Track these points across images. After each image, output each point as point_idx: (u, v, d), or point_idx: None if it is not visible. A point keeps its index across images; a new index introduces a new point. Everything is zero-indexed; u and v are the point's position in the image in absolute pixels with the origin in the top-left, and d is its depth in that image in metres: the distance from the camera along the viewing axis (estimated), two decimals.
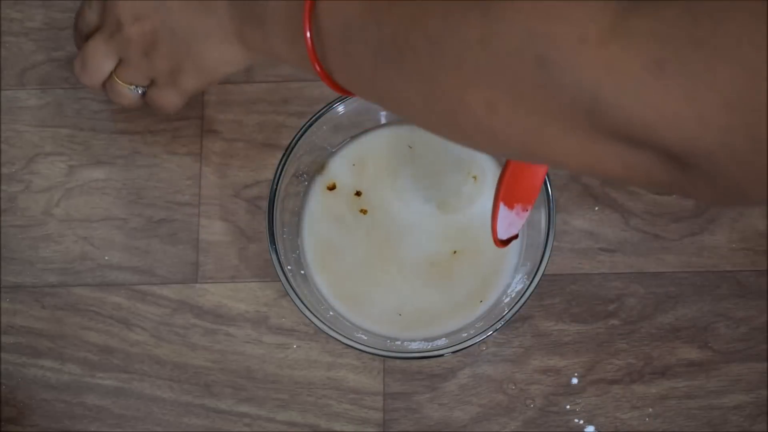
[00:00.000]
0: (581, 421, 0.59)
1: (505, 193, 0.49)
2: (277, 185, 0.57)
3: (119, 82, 0.55)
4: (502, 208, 0.49)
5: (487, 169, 0.60)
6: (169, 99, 0.56)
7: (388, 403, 0.60)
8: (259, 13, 0.47)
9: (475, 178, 0.60)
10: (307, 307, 0.55)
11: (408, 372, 0.60)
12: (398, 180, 0.61)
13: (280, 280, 0.55)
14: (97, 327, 0.62)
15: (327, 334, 0.55)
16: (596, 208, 0.62)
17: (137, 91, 0.56)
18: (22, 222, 0.64)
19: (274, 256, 0.56)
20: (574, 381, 0.60)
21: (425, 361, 0.60)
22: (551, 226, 0.55)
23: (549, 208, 0.55)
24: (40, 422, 0.61)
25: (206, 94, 0.65)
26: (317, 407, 0.60)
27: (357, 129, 0.61)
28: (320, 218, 0.61)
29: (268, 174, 0.61)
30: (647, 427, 0.59)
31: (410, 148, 0.61)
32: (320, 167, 0.61)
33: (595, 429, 0.59)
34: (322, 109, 0.58)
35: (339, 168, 0.61)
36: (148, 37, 0.52)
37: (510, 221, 0.51)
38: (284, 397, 0.61)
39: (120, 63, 0.55)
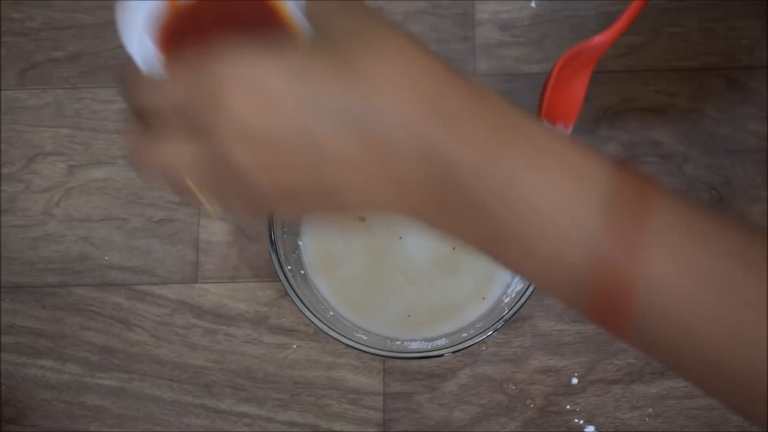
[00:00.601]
0: (581, 421, 0.59)
1: (547, 111, 0.47)
2: None
3: (193, 187, 0.38)
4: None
5: None
6: (253, 210, 0.39)
7: (388, 403, 0.60)
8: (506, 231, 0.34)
9: None
10: (307, 307, 0.55)
11: (408, 372, 0.60)
12: None
13: (280, 280, 0.55)
14: (97, 327, 0.62)
15: (327, 334, 0.55)
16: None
17: (213, 198, 0.40)
18: (22, 222, 0.64)
19: (274, 256, 0.56)
20: (574, 381, 0.60)
21: (425, 361, 0.60)
22: None
23: None
24: (40, 422, 0.61)
25: None
26: (317, 407, 0.60)
27: None
28: (319, 221, 0.60)
29: None
30: (647, 427, 0.59)
31: None
32: None
33: (595, 429, 0.59)
34: None
35: None
36: (279, 186, 0.35)
37: None
38: (284, 397, 0.61)
39: (205, 174, 0.37)
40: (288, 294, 0.55)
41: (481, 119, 0.34)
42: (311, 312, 0.55)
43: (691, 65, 0.63)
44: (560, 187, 0.34)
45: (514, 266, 0.35)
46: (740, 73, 0.63)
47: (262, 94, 0.34)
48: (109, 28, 0.67)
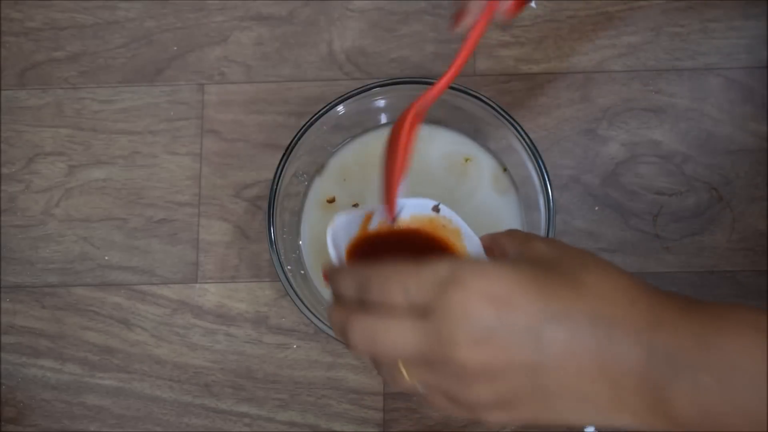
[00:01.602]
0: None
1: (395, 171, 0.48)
2: (277, 185, 0.57)
3: (405, 374, 0.40)
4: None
5: (505, 171, 0.60)
6: (459, 413, 0.41)
7: (388, 403, 0.60)
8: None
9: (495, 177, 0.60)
10: (307, 307, 0.55)
11: None
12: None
13: (280, 280, 0.55)
14: (97, 327, 0.62)
15: (327, 334, 0.55)
16: (596, 208, 0.62)
17: (420, 389, 0.41)
18: (22, 222, 0.64)
19: (274, 256, 0.56)
20: None
21: None
22: (551, 227, 0.55)
23: (549, 209, 0.55)
24: (40, 422, 0.61)
25: (206, 94, 0.65)
26: (317, 407, 0.60)
27: (357, 129, 0.61)
28: (319, 221, 0.61)
29: (268, 174, 0.61)
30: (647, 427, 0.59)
31: (467, 161, 0.61)
32: (320, 167, 0.61)
33: (596, 429, 0.59)
34: (322, 109, 0.58)
35: (334, 181, 0.61)
36: (489, 370, 0.38)
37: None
38: (284, 397, 0.61)
39: (422, 363, 0.39)
40: (288, 294, 0.55)
41: (688, 319, 0.38)
42: (311, 312, 0.55)
43: (691, 65, 0.63)
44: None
45: None
46: (740, 73, 0.63)
47: (501, 299, 0.37)
48: (109, 28, 0.67)
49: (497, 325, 0.37)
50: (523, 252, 0.42)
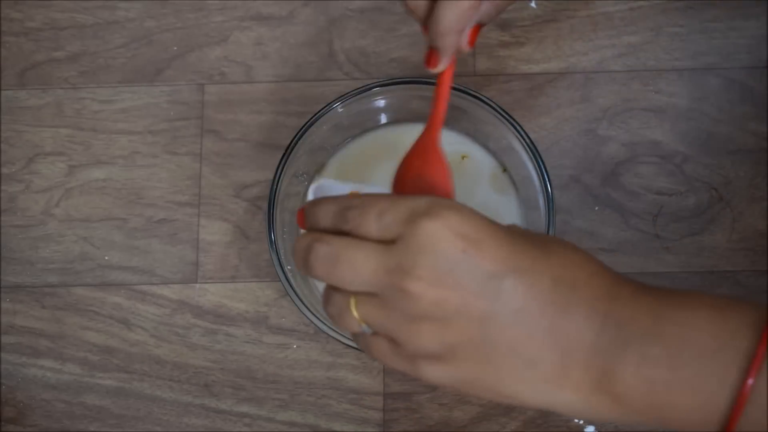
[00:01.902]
0: (581, 422, 0.59)
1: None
2: (277, 185, 0.57)
3: (354, 312, 0.40)
4: None
5: (505, 170, 0.60)
6: (397, 364, 0.40)
7: (388, 403, 0.60)
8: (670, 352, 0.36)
9: (494, 177, 0.60)
10: (307, 307, 0.55)
11: None
12: None
13: (280, 280, 0.55)
14: (97, 327, 0.62)
15: (327, 334, 0.55)
16: (596, 208, 0.62)
17: (365, 330, 0.41)
18: (22, 222, 0.64)
19: (274, 256, 0.56)
20: None
21: None
22: (551, 227, 0.55)
23: (549, 208, 0.55)
24: (40, 422, 0.61)
25: (206, 94, 0.65)
26: (317, 407, 0.60)
27: (357, 129, 0.61)
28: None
29: (268, 174, 0.61)
30: (647, 427, 0.59)
31: (463, 158, 0.61)
32: (320, 167, 0.61)
33: (595, 429, 0.59)
34: (322, 109, 0.58)
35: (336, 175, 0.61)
36: (441, 312, 0.37)
37: None
38: (284, 397, 0.61)
39: (373, 299, 0.39)
40: (288, 294, 0.55)
41: (647, 294, 0.38)
42: (311, 312, 0.55)
43: (691, 65, 0.63)
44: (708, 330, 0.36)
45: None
46: (740, 73, 0.63)
47: (471, 240, 0.37)
48: (109, 28, 0.67)
49: (461, 263, 0.37)
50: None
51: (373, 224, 0.38)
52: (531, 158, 0.56)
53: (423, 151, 0.48)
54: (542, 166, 0.56)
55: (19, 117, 0.66)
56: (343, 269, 0.38)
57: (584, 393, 0.37)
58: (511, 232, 0.39)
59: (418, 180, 0.48)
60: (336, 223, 0.40)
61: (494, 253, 0.37)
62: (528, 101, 0.64)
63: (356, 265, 0.38)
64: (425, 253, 0.37)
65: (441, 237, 0.37)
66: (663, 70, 0.64)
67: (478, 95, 0.57)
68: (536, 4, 0.65)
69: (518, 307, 0.37)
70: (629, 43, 0.64)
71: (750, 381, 0.34)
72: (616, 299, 0.37)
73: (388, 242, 0.38)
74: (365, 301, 0.39)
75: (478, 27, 0.48)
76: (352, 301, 0.39)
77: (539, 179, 0.56)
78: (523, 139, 0.56)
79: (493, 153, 0.61)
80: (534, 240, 0.39)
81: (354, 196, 0.41)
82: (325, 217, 0.40)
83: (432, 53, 0.47)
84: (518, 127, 0.56)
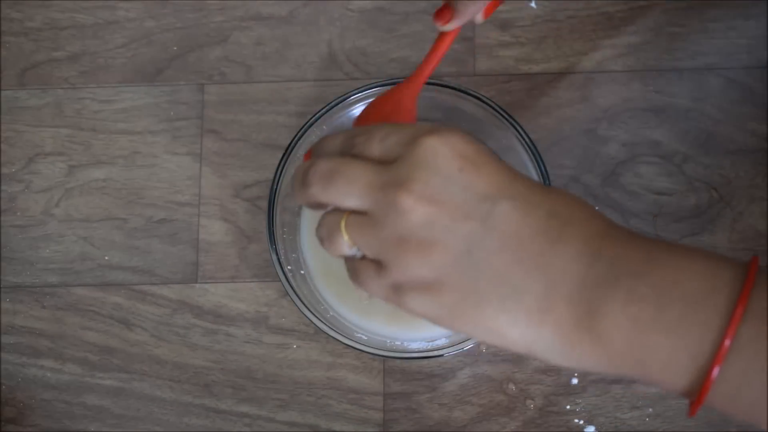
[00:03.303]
0: (581, 422, 0.59)
1: None
2: (277, 185, 0.57)
3: (344, 232, 0.39)
4: None
5: None
6: (380, 291, 0.39)
7: (388, 403, 0.60)
8: (646, 293, 0.35)
9: None
10: (307, 307, 0.55)
11: (408, 372, 0.60)
12: None
13: (280, 280, 0.55)
14: (97, 327, 0.62)
15: (327, 334, 0.55)
16: (596, 208, 0.62)
17: (356, 254, 0.40)
18: (22, 222, 0.64)
19: (274, 256, 0.56)
20: (574, 381, 0.60)
21: (425, 361, 0.60)
22: None
23: None
24: (40, 422, 0.61)
25: (206, 94, 0.65)
26: (317, 407, 0.60)
27: None
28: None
29: (268, 174, 0.61)
30: (647, 427, 0.59)
31: None
32: None
33: (596, 429, 0.59)
34: (322, 109, 0.58)
35: None
36: (429, 231, 0.36)
37: None
38: (284, 397, 0.61)
39: (364, 218, 0.38)
40: (288, 294, 0.55)
41: (642, 238, 0.37)
42: (311, 312, 0.55)
43: (691, 65, 0.64)
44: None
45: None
46: (740, 73, 0.63)
47: (470, 160, 0.37)
48: (109, 28, 0.67)
49: (456, 180, 0.36)
50: None
51: (376, 145, 0.38)
52: (531, 158, 0.56)
53: (398, 99, 0.48)
54: (542, 166, 0.56)
55: (19, 117, 0.66)
56: (338, 182, 0.38)
57: (565, 330, 0.36)
58: (511, 167, 0.38)
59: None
60: (343, 148, 0.40)
61: (492, 177, 0.37)
62: (528, 101, 0.64)
63: (351, 178, 0.38)
64: (420, 167, 0.36)
65: (439, 153, 0.36)
66: (663, 70, 0.64)
67: (478, 95, 0.57)
68: (536, 4, 0.65)
69: (509, 232, 0.36)
70: (629, 43, 0.64)
71: (727, 342, 0.33)
72: (610, 238, 0.36)
73: (387, 161, 0.38)
74: (356, 220, 0.38)
75: (498, 2, 0.48)
76: (343, 221, 0.38)
77: (539, 179, 0.56)
78: (523, 139, 0.56)
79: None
80: (533, 181, 0.38)
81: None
82: (332, 144, 0.40)
83: (446, 9, 0.47)
84: (518, 127, 0.56)
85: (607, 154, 0.63)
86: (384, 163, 0.38)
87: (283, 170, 0.57)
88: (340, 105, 0.58)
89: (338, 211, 0.39)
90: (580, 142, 0.63)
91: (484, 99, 0.57)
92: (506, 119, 0.56)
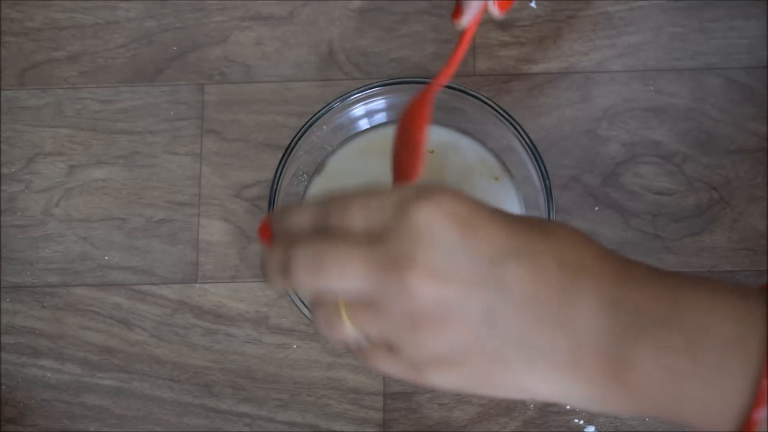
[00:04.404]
0: (581, 422, 0.59)
1: (401, 170, 0.49)
2: (277, 185, 0.57)
3: (345, 318, 0.36)
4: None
5: (505, 170, 0.60)
6: (396, 371, 0.37)
7: (388, 403, 0.60)
8: (691, 336, 0.33)
9: (497, 179, 0.60)
10: (307, 307, 0.55)
11: None
12: None
13: None
14: (97, 327, 0.62)
15: None
16: (596, 208, 0.62)
17: (361, 340, 0.37)
18: (22, 222, 0.64)
19: None
20: None
21: None
22: None
23: (549, 209, 0.55)
24: (40, 422, 0.61)
25: (206, 94, 0.65)
26: (317, 407, 0.60)
27: (357, 129, 0.61)
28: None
29: (268, 174, 0.61)
30: (647, 427, 0.59)
31: (431, 152, 0.61)
32: (320, 167, 0.61)
33: (596, 429, 0.59)
34: (322, 109, 0.58)
35: (335, 181, 0.61)
36: (443, 308, 0.34)
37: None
38: (284, 397, 0.61)
39: (365, 300, 0.35)
40: (288, 294, 0.55)
41: (660, 277, 0.36)
42: (311, 312, 0.55)
43: (691, 65, 0.64)
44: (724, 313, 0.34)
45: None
46: (740, 73, 0.63)
47: (467, 223, 0.34)
48: (109, 28, 0.67)
49: (459, 249, 0.34)
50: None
51: (357, 217, 0.35)
52: (531, 158, 0.56)
53: (424, 102, 0.49)
54: (542, 166, 0.56)
55: (19, 117, 0.66)
56: (328, 268, 0.34)
57: (598, 383, 0.35)
58: (507, 213, 0.36)
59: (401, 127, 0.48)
60: (315, 220, 0.36)
61: (494, 236, 0.34)
62: (528, 101, 0.64)
63: (342, 262, 0.34)
64: (420, 242, 0.33)
65: (434, 221, 0.34)
66: (663, 70, 0.64)
67: (478, 95, 0.57)
68: (536, 4, 0.65)
69: (524, 294, 0.34)
70: (629, 43, 0.64)
71: (765, 383, 0.32)
72: (628, 282, 0.35)
73: (377, 235, 0.34)
74: (357, 307, 0.35)
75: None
76: (342, 307, 0.35)
77: (539, 179, 0.56)
78: (523, 139, 0.56)
79: (493, 153, 0.61)
80: (532, 221, 0.37)
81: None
82: (301, 220, 0.37)
83: (457, 7, 0.48)
84: (518, 127, 0.56)
85: (607, 154, 0.63)
86: (371, 236, 0.34)
87: (283, 170, 0.57)
88: (340, 105, 0.58)
89: (331, 294, 0.36)
90: (580, 142, 0.63)
91: (484, 99, 0.57)
92: (506, 119, 0.56)
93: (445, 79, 0.49)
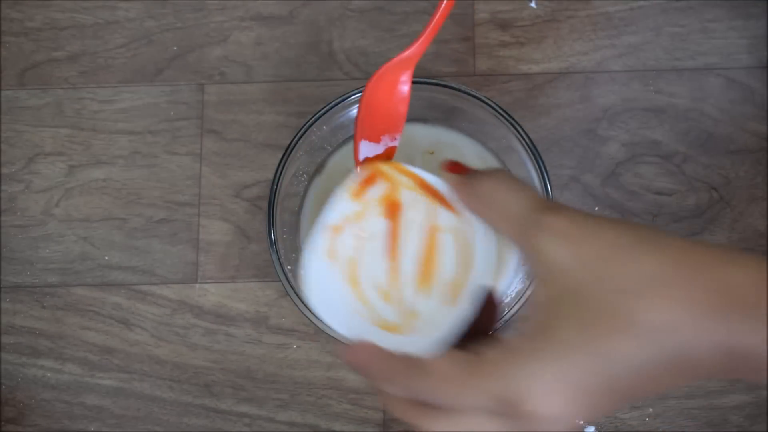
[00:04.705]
0: (581, 421, 0.59)
1: (367, 131, 0.48)
2: (277, 185, 0.57)
3: None
4: (365, 144, 0.49)
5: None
6: None
7: None
8: None
9: None
10: (307, 307, 0.55)
11: None
12: None
13: (280, 280, 0.55)
14: (97, 327, 0.62)
15: (327, 334, 0.55)
16: (596, 208, 0.62)
17: None
18: (22, 222, 0.64)
19: (274, 256, 0.56)
20: None
21: None
22: None
23: None
24: (40, 422, 0.61)
25: (206, 94, 0.65)
26: (317, 407, 0.60)
27: None
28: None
29: (268, 174, 0.61)
30: (647, 427, 0.59)
31: (431, 153, 0.61)
32: (320, 167, 0.61)
33: (596, 429, 0.59)
34: (322, 109, 0.58)
35: (335, 181, 0.61)
36: None
37: (377, 150, 0.50)
38: (284, 397, 0.61)
39: None
40: (288, 294, 0.55)
41: None
42: (311, 312, 0.55)
43: (691, 65, 0.64)
44: None
45: None
46: (740, 73, 0.63)
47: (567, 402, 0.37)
48: (109, 28, 0.67)
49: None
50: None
51: (456, 402, 0.36)
52: (531, 158, 0.56)
53: (394, 81, 0.48)
54: (542, 166, 0.56)
55: (19, 117, 0.66)
56: None
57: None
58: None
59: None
60: (408, 394, 0.38)
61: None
62: (528, 101, 0.64)
63: None
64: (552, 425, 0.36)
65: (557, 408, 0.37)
66: (663, 70, 0.64)
67: (478, 95, 0.57)
68: (536, 4, 0.65)
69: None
70: (629, 43, 0.64)
71: None
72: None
73: (492, 410, 0.36)
74: None
75: None
76: None
77: (539, 179, 0.56)
78: (523, 139, 0.56)
79: (493, 153, 0.61)
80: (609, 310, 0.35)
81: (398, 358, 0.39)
82: (385, 376, 0.39)
83: None
84: (518, 127, 0.56)
85: (607, 154, 0.63)
86: (485, 410, 0.36)
87: (283, 170, 0.57)
88: (340, 105, 0.58)
89: None
90: (580, 142, 0.63)
91: (484, 99, 0.57)
92: (506, 119, 0.56)
93: (424, 46, 0.48)
